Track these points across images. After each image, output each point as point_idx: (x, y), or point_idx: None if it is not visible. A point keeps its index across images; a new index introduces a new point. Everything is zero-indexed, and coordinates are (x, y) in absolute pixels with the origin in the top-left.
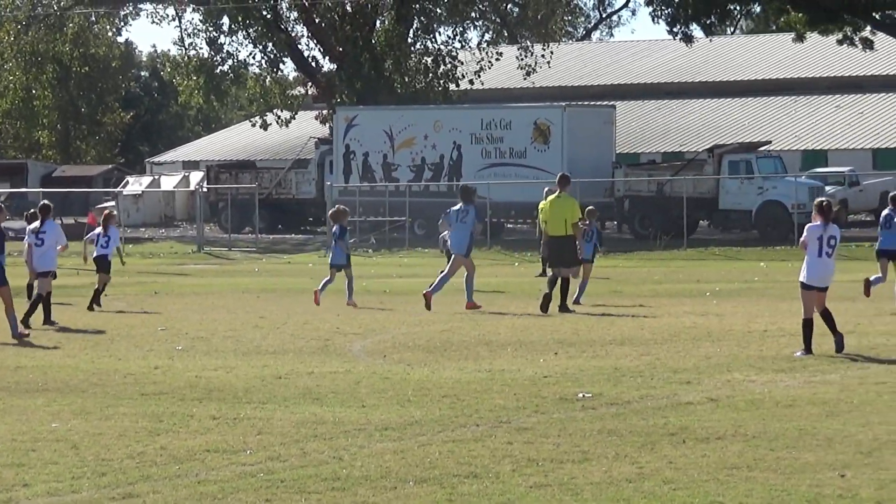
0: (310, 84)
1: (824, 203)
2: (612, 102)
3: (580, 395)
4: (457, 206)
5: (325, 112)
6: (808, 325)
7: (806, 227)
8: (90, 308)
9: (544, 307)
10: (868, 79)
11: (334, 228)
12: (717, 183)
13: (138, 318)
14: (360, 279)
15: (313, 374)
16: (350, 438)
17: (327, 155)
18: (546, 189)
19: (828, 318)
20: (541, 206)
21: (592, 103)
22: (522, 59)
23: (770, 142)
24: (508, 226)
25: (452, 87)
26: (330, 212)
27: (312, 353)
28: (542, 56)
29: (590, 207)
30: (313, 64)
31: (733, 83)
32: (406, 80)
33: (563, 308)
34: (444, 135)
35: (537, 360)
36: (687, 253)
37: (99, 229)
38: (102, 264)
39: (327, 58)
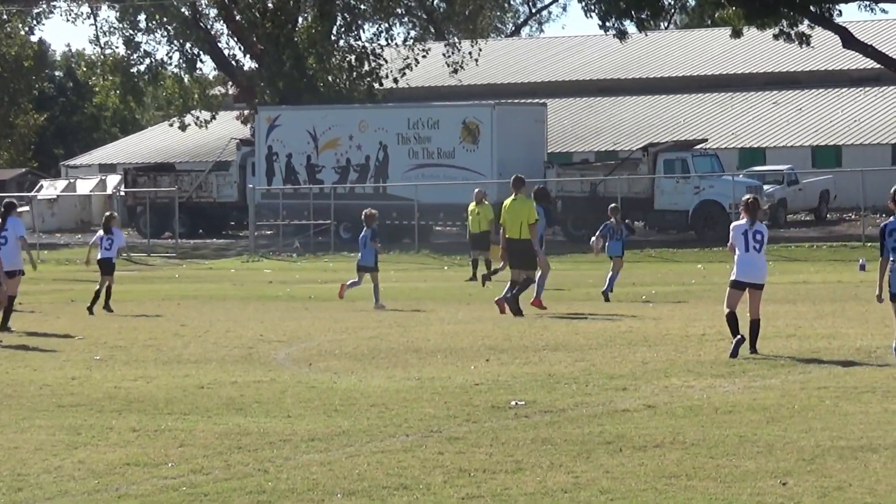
0: (230, 83)
1: (750, 200)
2: (543, 100)
3: (513, 403)
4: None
5: (246, 112)
6: (731, 317)
7: (731, 225)
8: (107, 308)
9: (516, 311)
10: (806, 74)
11: (365, 231)
12: (652, 182)
13: (54, 325)
14: (284, 285)
15: (237, 384)
16: (275, 450)
17: (249, 157)
18: (476, 190)
19: (754, 330)
20: (470, 208)
21: (523, 101)
22: (450, 57)
23: (706, 139)
24: (437, 228)
25: (378, 85)
26: (363, 214)
27: (236, 362)
28: (470, 53)
29: (612, 205)
30: (234, 63)
31: (668, 80)
32: (330, 78)
33: (514, 307)
34: (369, 135)
35: (468, 368)
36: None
37: (101, 231)
38: (106, 267)
39: (248, 56)
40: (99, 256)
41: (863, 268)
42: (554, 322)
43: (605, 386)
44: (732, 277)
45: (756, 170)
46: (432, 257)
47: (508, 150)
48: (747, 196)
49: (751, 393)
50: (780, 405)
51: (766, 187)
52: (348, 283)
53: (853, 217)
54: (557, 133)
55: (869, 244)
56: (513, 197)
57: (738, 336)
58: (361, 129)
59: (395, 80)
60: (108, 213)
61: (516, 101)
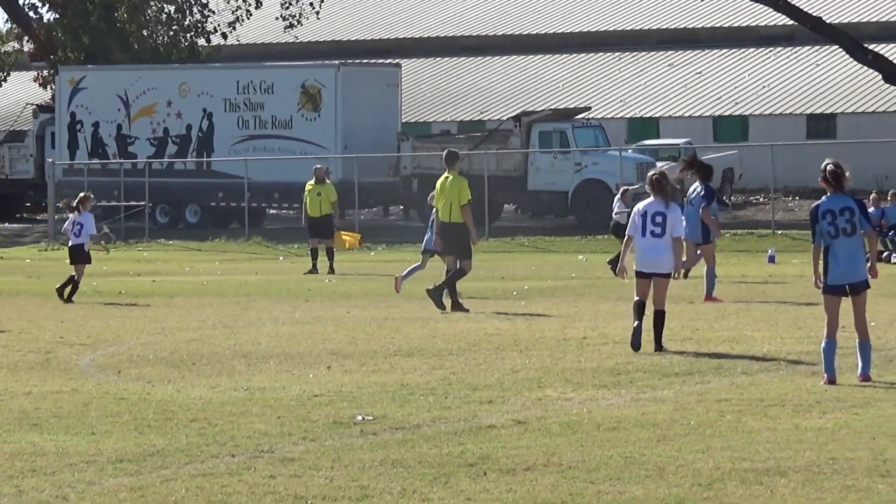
0: (26, 38)
1: (655, 177)
2: (396, 60)
3: (359, 417)
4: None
5: (45, 73)
6: (637, 305)
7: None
8: (68, 300)
9: (456, 306)
10: (707, 32)
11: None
12: (525, 158)
13: None
14: (90, 278)
15: (31, 395)
16: (77, 473)
17: (48, 125)
18: (316, 167)
19: (657, 322)
20: (307, 187)
21: (373, 62)
22: (287, 8)
23: (589, 108)
24: (271, 212)
25: (202, 42)
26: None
27: (31, 369)
28: (311, 4)
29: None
30: (30, 13)
31: (544, 37)
32: (145, 33)
33: (433, 292)
34: (191, 101)
35: (306, 376)
36: (489, 244)
37: (73, 215)
38: (78, 255)
39: (47, 6)
40: (70, 243)
41: (772, 260)
42: (407, 323)
43: (468, 398)
44: (634, 267)
45: (648, 144)
46: (265, 245)
47: (356, 120)
48: (653, 172)
49: (639, 406)
50: (673, 421)
51: (659, 164)
52: (405, 272)
53: (761, 200)
54: (414, 100)
55: (780, 232)
56: (446, 175)
57: (636, 322)
58: (182, 94)
59: (224, 36)
60: (82, 195)
61: (365, 61)
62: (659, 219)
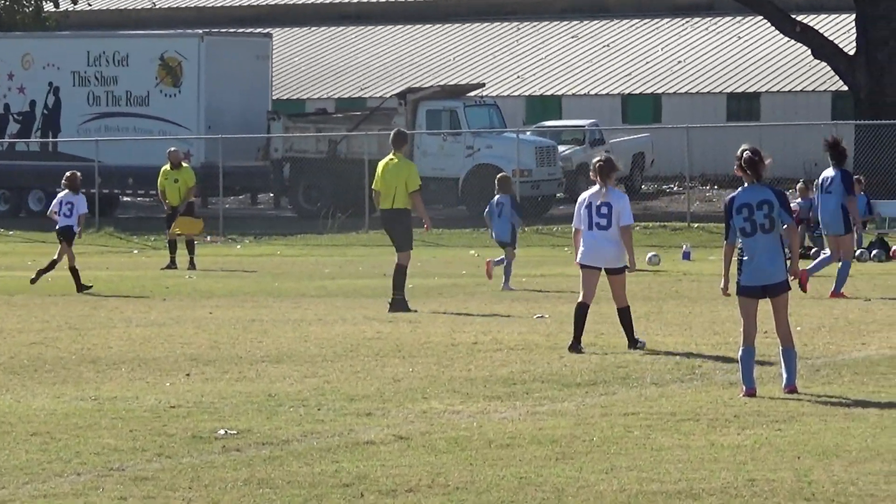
0: None
1: (598, 163)
2: (266, 30)
3: (221, 432)
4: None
5: None
6: (578, 311)
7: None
8: (34, 280)
9: (398, 305)
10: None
11: (500, 197)
12: (411, 140)
13: None
14: None
15: None
16: None
17: None
18: (171, 149)
19: (623, 320)
20: (162, 172)
21: (240, 31)
22: None
23: (483, 85)
24: (125, 199)
25: (49, 6)
26: (497, 178)
27: None
28: None
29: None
30: None
31: (433, 5)
32: None
33: (394, 307)
34: (35, 73)
35: (162, 385)
36: (370, 237)
37: (64, 193)
38: (69, 236)
39: None
40: (58, 225)
41: (687, 256)
42: (276, 325)
43: (344, 410)
44: (577, 259)
45: (549, 125)
46: (118, 237)
47: (221, 96)
48: (597, 158)
49: (536, 420)
50: (573, 437)
51: (561, 148)
52: (496, 260)
53: (675, 189)
54: (286, 74)
55: (696, 225)
56: (390, 157)
57: (578, 347)
58: (25, 66)
59: (73, 1)
60: (69, 174)
61: (232, 30)
62: (604, 209)
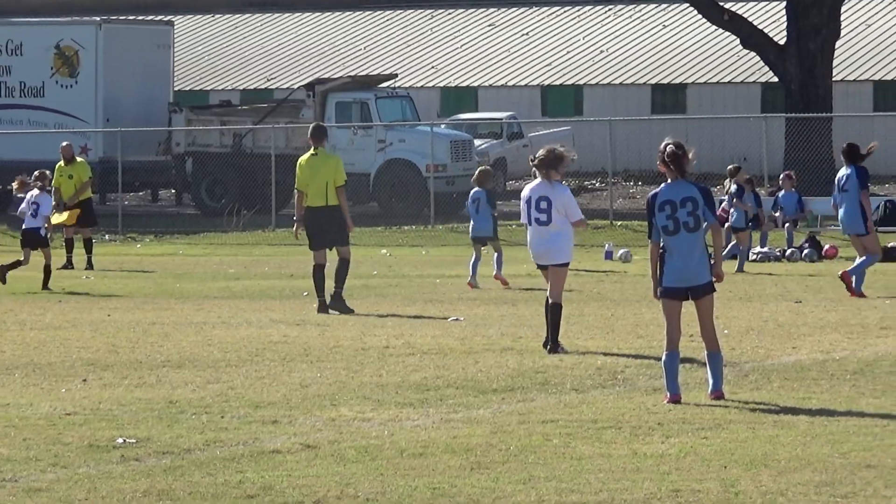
0: None
1: (535, 159)
2: (168, 17)
3: (119, 440)
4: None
5: None
6: (550, 310)
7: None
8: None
9: (324, 308)
10: None
11: (476, 192)
12: None
13: None
14: None
15: None
16: None
17: None
18: (64, 143)
19: (554, 317)
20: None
21: (140, 18)
22: None
23: (395, 76)
24: (20, 196)
25: None
26: (477, 171)
27: None
28: None
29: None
30: None
31: None
32: None
33: (334, 302)
34: None
35: (57, 391)
36: (277, 235)
37: (34, 192)
38: (31, 239)
39: None
40: (24, 226)
41: (609, 256)
42: (177, 328)
43: (248, 418)
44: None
45: (465, 118)
46: (11, 236)
47: (120, 87)
48: (542, 151)
49: (450, 428)
50: (489, 445)
51: (478, 142)
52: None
53: (597, 185)
54: (189, 64)
55: (619, 223)
56: (311, 152)
57: (556, 349)
58: None
59: None
60: (37, 172)
61: (131, 17)
62: (544, 204)
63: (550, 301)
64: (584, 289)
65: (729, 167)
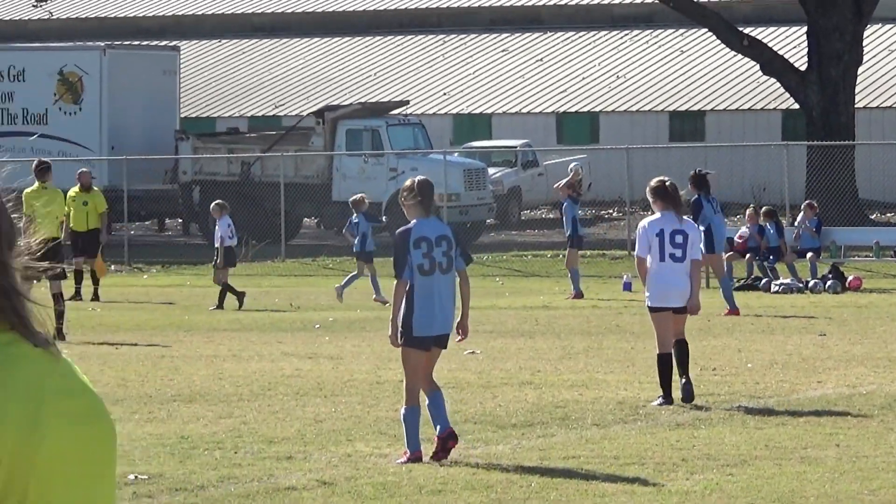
0: None
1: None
2: (174, 43)
3: (131, 477)
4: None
5: None
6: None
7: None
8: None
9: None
10: (550, 10)
11: (356, 217)
12: (329, 162)
13: None
14: None
15: None
16: None
17: None
18: (81, 170)
19: (684, 352)
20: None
21: (146, 44)
22: None
23: (407, 102)
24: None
25: None
26: (351, 200)
27: None
28: None
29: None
30: None
31: (352, 15)
32: None
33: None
34: None
35: None
36: (286, 265)
37: None
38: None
39: None
40: None
41: (628, 287)
42: (188, 362)
43: (262, 454)
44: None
45: (478, 146)
46: None
47: (125, 114)
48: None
49: (469, 465)
50: (510, 482)
51: (491, 171)
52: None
53: (615, 215)
54: (195, 91)
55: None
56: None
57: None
58: None
59: None
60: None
61: (136, 43)
62: (679, 238)
63: (675, 339)
64: (602, 321)
65: (749, 211)
